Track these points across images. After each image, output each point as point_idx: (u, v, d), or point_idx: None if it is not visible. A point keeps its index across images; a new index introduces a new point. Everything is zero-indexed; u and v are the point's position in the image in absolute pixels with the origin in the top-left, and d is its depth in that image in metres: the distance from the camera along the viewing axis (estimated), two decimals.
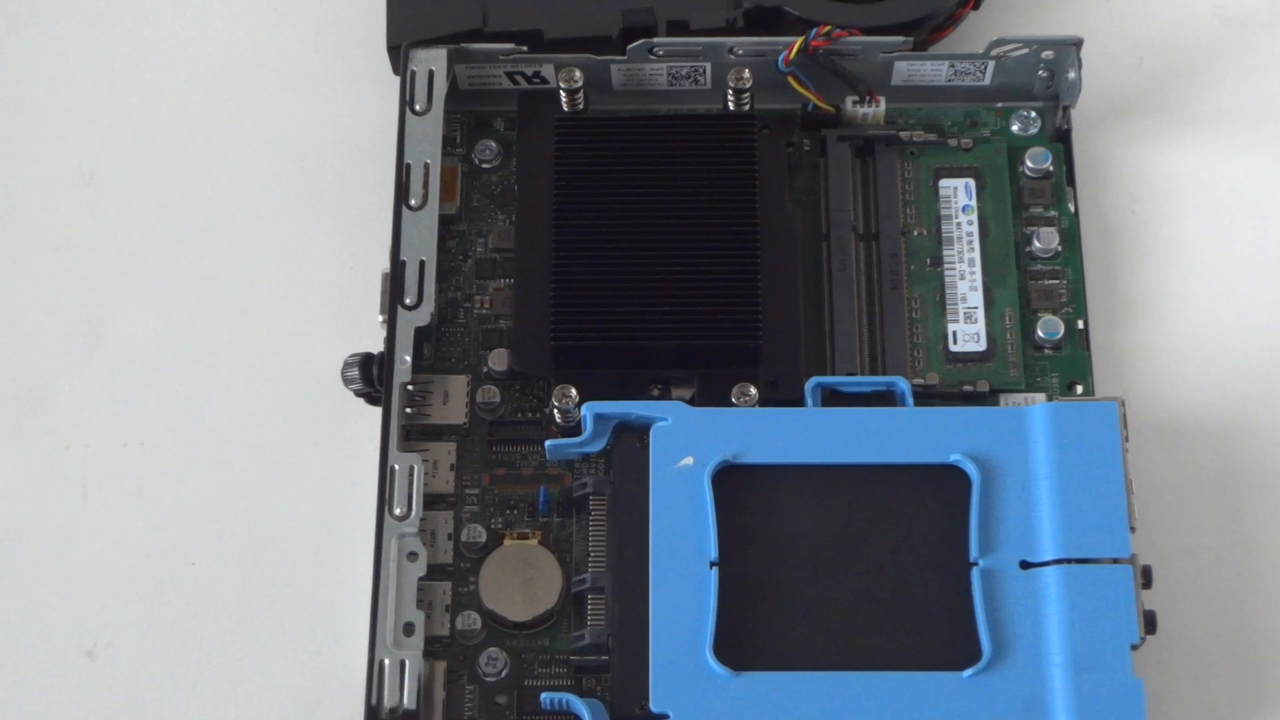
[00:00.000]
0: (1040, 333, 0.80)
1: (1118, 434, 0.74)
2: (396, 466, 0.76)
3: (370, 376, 0.78)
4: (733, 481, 0.74)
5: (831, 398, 0.77)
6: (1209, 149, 0.86)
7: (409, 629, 0.73)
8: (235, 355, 0.83)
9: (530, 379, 0.80)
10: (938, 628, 0.73)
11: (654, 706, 0.71)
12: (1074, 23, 0.87)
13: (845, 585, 0.73)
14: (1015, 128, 0.84)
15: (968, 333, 0.81)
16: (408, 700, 0.72)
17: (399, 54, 0.83)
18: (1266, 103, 0.87)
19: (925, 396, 0.79)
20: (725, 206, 0.80)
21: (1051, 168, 0.83)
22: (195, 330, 0.83)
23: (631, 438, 0.76)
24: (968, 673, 0.71)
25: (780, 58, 0.82)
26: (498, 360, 0.80)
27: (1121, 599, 0.72)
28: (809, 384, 0.77)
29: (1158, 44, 0.88)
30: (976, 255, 0.82)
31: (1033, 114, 0.84)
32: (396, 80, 0.83)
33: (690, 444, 0.74)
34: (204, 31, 0.89)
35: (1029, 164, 0.83)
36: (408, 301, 0.78)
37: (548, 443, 0.77)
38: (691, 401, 0.78)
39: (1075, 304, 0.81)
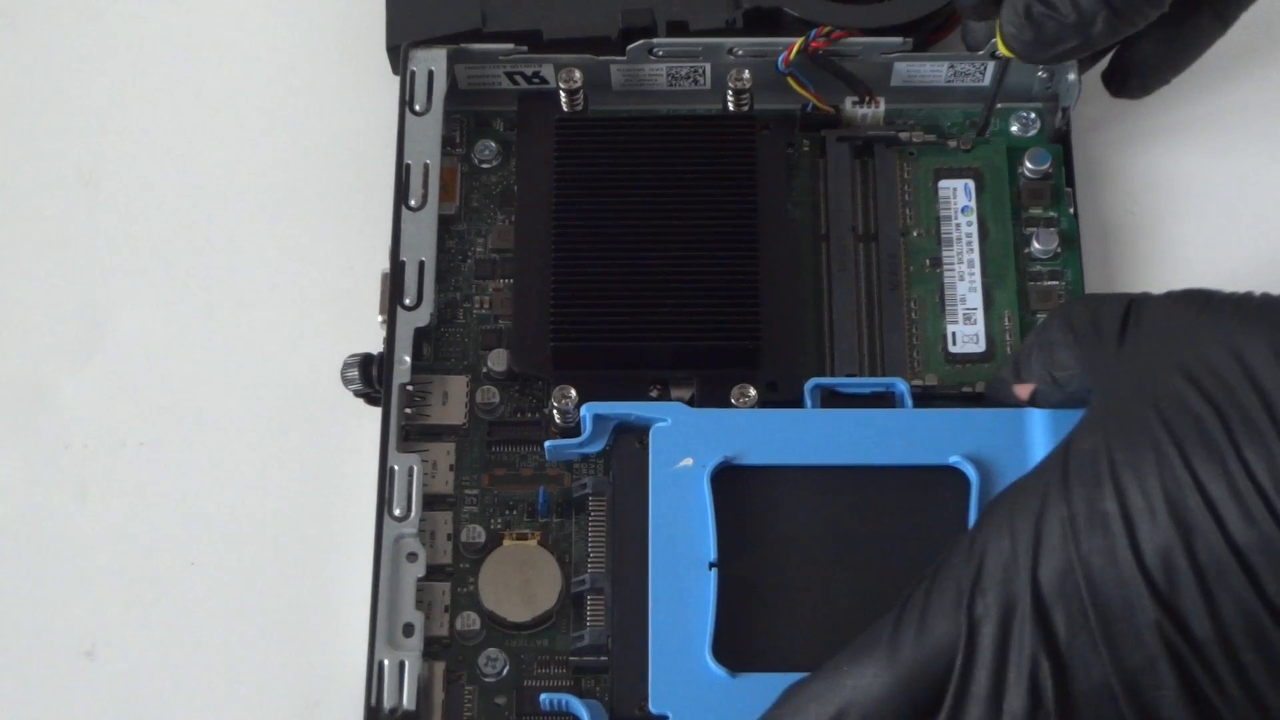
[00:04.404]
0: None
1: None
2: (396, 467, 0.76)
3: (370, 377, 0.78)
4: (732, 482, 0.74)
5: (831, 399, 0.77)
6: (1208, 150, 0.86)
7: (408, 629, 0.73)
8: (235, 355, 0.83)
9: (530, 379, 0.80)
10: None
11: (653, 707, 0.71)
12: None
13: (844, 586, 0.73)
14: (1015, 129, 0.84)
15: (967, 334, 0.81)
16: (407, 701, 0.72)
17: (399, 54, 0.83)
18: (1266, 103, 0.87)
19: (924, 397, 0.79)
20: (725, 207, 0.80)
21: (1051, 169, 0.83)
22: (195, 330, 0.83)
23: (631, 439, 0.76)
24: None
25: (780, 58, 0.82)
26: (497, 361, 0.80)
27: None
28: (808, 385, 0.77)
29: None
30: (976, 256, 0.82)
31: (1032, 115, 0.84)
32: (396, 80, 0.83)
33: (689, 445, 0.74)
34: (204, 32, 0.89)
35: (1028, 165, 0.83)
36: (407, 302, 0.78)
37: (547, 443, 0.77)
38: (691, 402, 0.78)
39: None
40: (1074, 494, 0.64)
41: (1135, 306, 0.69)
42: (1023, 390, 0.74)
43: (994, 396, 0.76)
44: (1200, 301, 0.66)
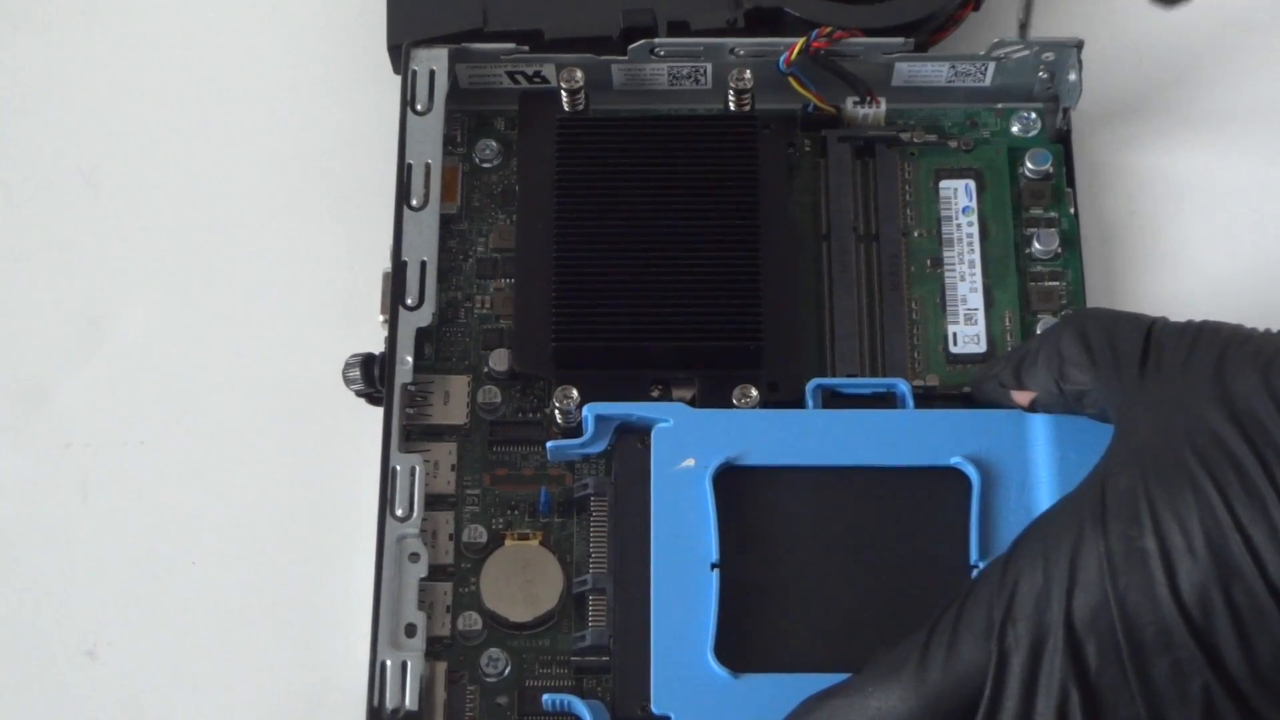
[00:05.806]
0: None
1: None
2: (398, 467, 0.76)
3: (371, 376, 0.78)
4: (734, 483, 0.74)
5: (832, 399, 0.77)
6: (1208, 150, 0.86)
7: (410, 630, 0.73)
8: (236, 355, 0.83)
9: (531, 379, 0.80)
10: None
11: (655, 708, 0.71)
12: (1074, 24, 0.87)
13: (846, 587, 0.73)
14: (1015, 129, 0.84)
15: (968, 334, 0.81)
16: (409, 701, 0.72)
17: (399, 54, 0.83)
18: (1266, 104, 0.87)
19: (925, 398, 0.79)
20: (726, 207, 0.80)
21: (1051, 169, 0.83)
22: (196, 330, 0.83)
23: (633, 439, 0.76)
24: None
25: (781, 58, 0.82)
26: (498, 360, 0.80)
27: None
28: (809, 385, 0.77)
29: (1157, 45, 0.88)
30: (976, 257, 0.82)
31: (1033, 115, 0.84)
32: (397, 80, 0.83)
33: (691, 445, 0.74)
34: (204, 31, 0.89)
35: (1029, 165, 0.83)
36: (409, 301, 0.78)
37: (549, 444, 0.77)
38: (692, 403, 0.78)
39: (1075, 306, 0.81)
40: (1111, 530, 0.64)
41: (1155, 335, 0.69)
42: (1023, 397, 0.74)
43: (984, 395, 0.76)
44: (1224, 338, 0.67)
